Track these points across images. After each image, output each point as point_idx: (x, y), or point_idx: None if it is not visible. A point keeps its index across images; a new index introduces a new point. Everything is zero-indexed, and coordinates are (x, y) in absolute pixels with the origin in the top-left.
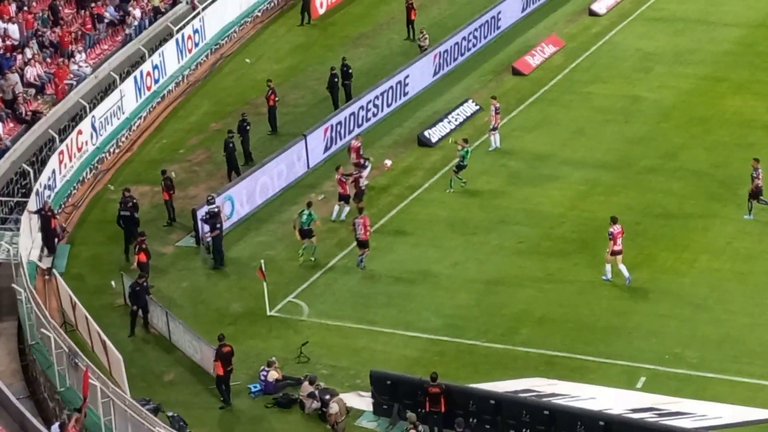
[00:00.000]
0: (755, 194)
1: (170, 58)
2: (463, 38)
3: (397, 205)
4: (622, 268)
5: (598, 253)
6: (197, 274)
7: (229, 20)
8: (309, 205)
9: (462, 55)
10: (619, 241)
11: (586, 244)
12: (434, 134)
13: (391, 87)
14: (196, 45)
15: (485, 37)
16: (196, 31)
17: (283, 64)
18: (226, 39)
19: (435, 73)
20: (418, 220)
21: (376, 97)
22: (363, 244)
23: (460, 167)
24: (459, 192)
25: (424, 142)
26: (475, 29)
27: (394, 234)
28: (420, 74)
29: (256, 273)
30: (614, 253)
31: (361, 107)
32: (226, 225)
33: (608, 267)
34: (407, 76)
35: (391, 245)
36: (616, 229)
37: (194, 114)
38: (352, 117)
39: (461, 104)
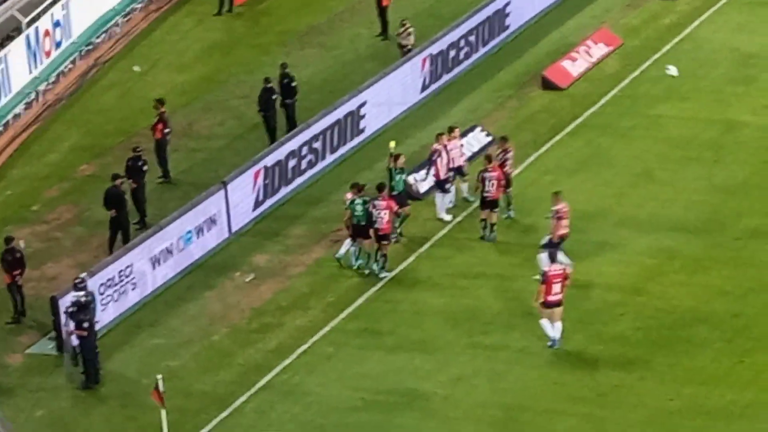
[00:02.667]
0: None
1: (17, 66)
2: (466, 35)
3: (368, 289)
4: (556, 326)
5: (676, 360)
6: (59, 398)
7: (108, 8)
8: (359, 190)
9: (465, 59)
10: (555, 287)
11: (658, 348)
12: (423, 181)
13: (353, 111)
14: (58, 45)
15: (500, 33)
16: (57, 25)
17: (191, 73)
18: (104, 36)
19: (424, 87)
20: (400, 311)
21: (335, 124)
22: (492, 204)
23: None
24: (461, 268)
25: (408, 193)
26: (484, 21)
27: (364, 333)
28: (402, 88)
29: (149, 395)
30: (548, 305)
31: (314, 138)
32: (105, 319)
33: (545, 322)
34: (381, 92)
35: (358, 351)
36: (555, 269)
37: (55, 150)
38: (297, 154)
39: (465, 134)
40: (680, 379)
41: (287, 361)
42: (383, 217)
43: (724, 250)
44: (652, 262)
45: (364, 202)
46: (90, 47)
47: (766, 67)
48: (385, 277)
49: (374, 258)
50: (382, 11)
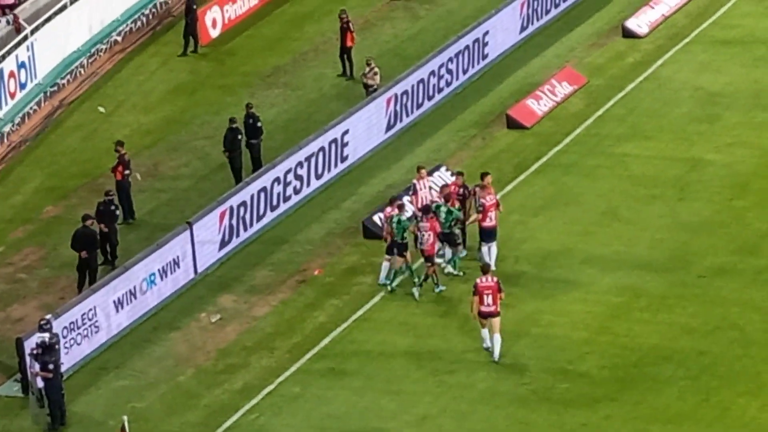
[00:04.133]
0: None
1: None
2: (432, 73)
3: (333, 329)
4: (496, 339)
5: (642, 398)
6: None
7: (72, 49)
8: (400, 207)
9: (430, 99)
10: (488, 298)
11: (624, 386)
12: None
13: (323, 149)
14: (23, 87)
15: (465, 72)
16: (22, 66)
17: (156, 114)
18: (69, 77)
19: (389, 127)
20: (366, 351)
21: (300, 164)
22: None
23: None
24: (427, 308)
25: (373, 233)
26: (450, 59)
27: (329, 374)
28: (366, 129)
29: None
30: (483, 315)
31: (277, 179)
32: (70, 360)
33: (484, 333)
34: (346, 132)
35: (324, 391)
36: (485, 281)
37: (19, 192)
38: (262, 194)
39: (430, 173)
40: (646, 417)
41: (253, 402)
42: (428, 238)
43: (689, 288)
44: (618, 300)
45: (399, 221)
46: (55, 88)
47: (729, 106)
48: (441, 290)
49: (415, 278)
50: (346, 52)
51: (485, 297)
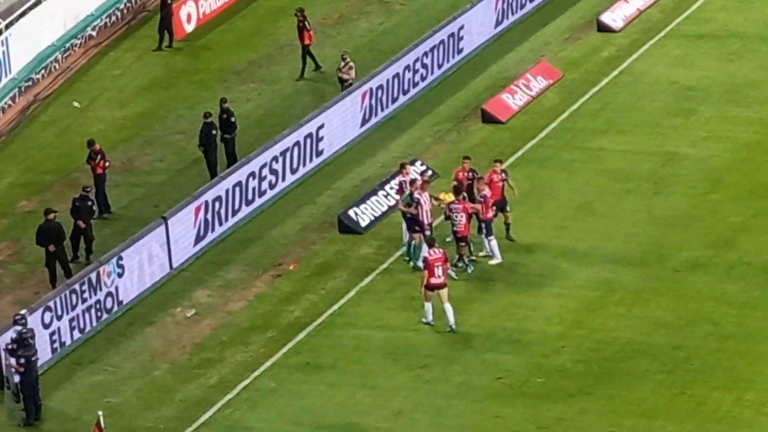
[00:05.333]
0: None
1: None
2: (407, 68)
3: (309, 324)
4: (448, 308)
5: (617, 392)
6: None
7: (47, 43)
8: (412, 182)
9: (405, 93)
10: (438, 270)
11: (599, 380)
12: (364, 215)
13: (298, 143)
14: None
15: (440, 66)
16: None
17: (131, 108)
18: (43, 72)
19: (364, 122)
20: (341, 345)
21: (275, 158)
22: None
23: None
24: (402, 302)
25: (348, 227)
26: (425, 54)
27: (304, 368)
28: (342, 123)
29: None
30: (431, 287)
31: (252, 174)
32: (43, 357)
33: (428, 306)
34: (321, 126)
35: (298, 386)
36: (434, 254)
37: None
38: (237, 188)
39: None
40: (621, 411)
41: (229, 397)
42: (461, 220)
43: (663, 282)
44: (593, 294)
45: (410, 195)
46: (29, 83)
47: (704, 100)
48: (472, 271)
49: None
50: (306, 51)
51: (436, 269)
